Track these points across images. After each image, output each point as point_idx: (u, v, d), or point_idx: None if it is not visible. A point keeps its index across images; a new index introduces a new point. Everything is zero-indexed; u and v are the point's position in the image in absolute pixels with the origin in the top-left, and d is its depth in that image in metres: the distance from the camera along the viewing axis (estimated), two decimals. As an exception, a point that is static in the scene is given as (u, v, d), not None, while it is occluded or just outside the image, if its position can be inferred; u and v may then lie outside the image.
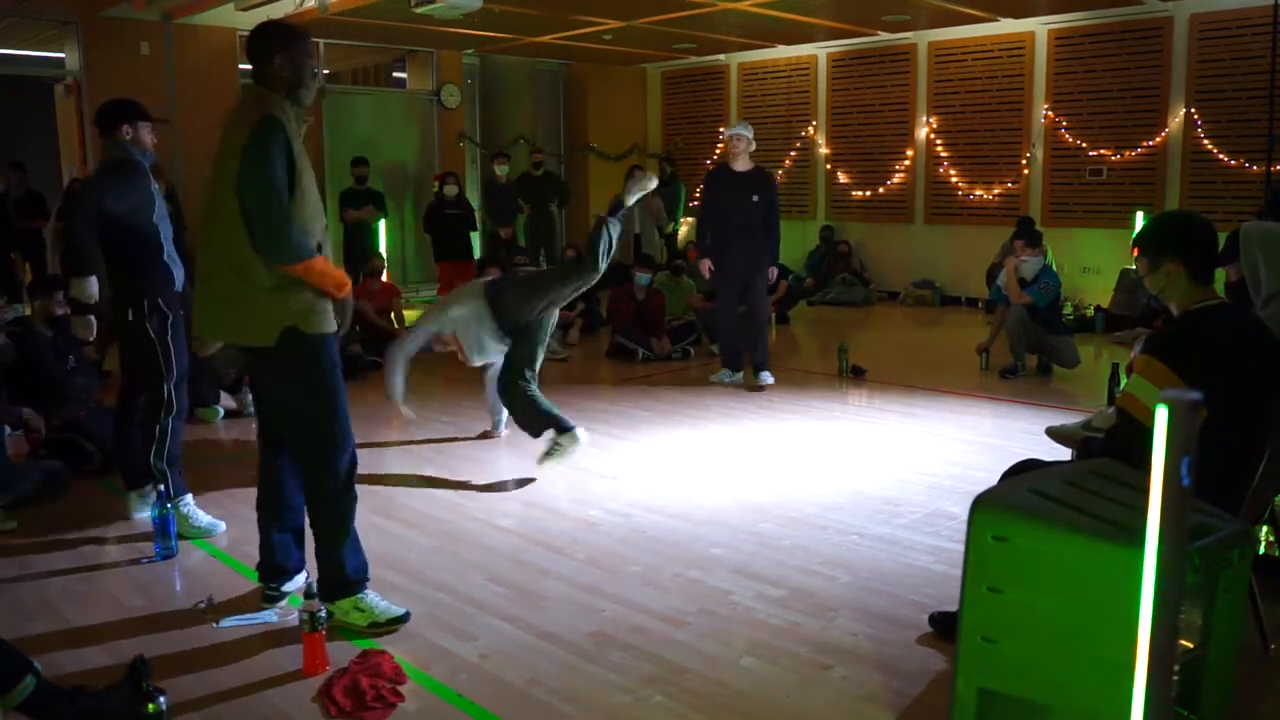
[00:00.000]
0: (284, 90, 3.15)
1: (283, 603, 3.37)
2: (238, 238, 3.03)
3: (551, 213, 11.01)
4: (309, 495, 3.26)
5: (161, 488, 3.98)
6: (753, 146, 6.85)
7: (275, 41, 3.17)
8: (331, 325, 3.17)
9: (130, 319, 4.04)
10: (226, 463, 5.24)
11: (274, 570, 3.40)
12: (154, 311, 4.04)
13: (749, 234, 6.79)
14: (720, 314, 7.29)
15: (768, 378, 6.95)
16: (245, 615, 3.31)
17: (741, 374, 7.13)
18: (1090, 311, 9.62)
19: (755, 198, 6.74)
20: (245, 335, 3.16)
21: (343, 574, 3.22)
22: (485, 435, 5.70)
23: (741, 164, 6.83)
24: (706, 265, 7.00)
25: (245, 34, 3.26)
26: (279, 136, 3.01)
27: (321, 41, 11.04)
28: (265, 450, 3.40)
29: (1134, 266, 3.01)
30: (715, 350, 8.41)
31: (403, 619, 3.23)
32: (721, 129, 13.09)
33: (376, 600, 3.26)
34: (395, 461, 5.24)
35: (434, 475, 4.97)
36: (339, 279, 3.16)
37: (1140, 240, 2.89)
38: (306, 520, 3.32)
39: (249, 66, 3.23)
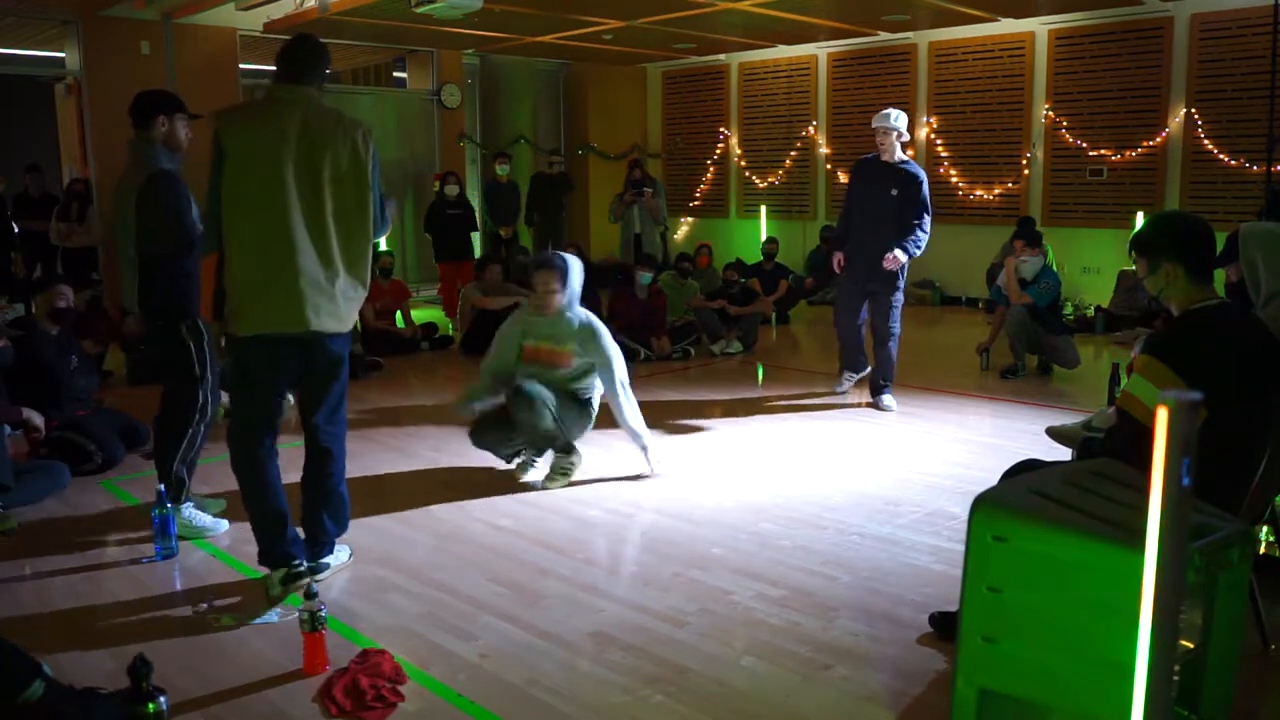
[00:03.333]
0: None
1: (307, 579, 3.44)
2: (366, 235, 3.38)
3: (563, 212, 11.09)
4: (338, 460, 3.56)
5: (162, 487, 3.96)
6: (905, 137, 6.19)
7: (326, 58, 3.52)
8: None
9: (163, 324, 4.00)
10: (226, 462, 5.22)
11: (290, 548, 3.50)
12: (189, 315, 4.00)
13: (880, 231, 6.10)
14: (836, 312, 6.62)
15: (887, 402, 6.26)
16: (245, 615, 3.32)
17: (857, 376, 6.59)
18: (1090, 311, 9.62)
19: (894, 191, 6.10)
20: (341, 323, 3.42)
21: (345, 523, 3.67)
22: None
23: (891, 155, 6.17)
24: (838, 259, 6.37)
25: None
26: None
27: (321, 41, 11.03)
28: (264, 442, 3.58)
29: (1134, 266, 3.00)
30: (715, 350, 8.42)
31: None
32: (723, 129, 13.14)
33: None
34: (395, 462, 5.24)
35: (434, 475, 4.97)
36: None
37: (1137, 242, 2.89)
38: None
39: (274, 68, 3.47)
